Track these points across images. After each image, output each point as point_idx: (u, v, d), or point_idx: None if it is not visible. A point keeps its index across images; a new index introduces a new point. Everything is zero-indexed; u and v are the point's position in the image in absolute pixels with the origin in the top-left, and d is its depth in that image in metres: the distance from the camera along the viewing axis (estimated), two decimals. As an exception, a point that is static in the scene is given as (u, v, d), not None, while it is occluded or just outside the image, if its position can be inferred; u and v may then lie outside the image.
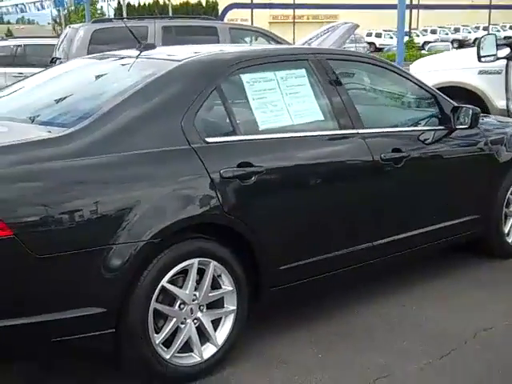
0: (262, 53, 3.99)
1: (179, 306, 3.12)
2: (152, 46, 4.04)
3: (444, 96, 4.49)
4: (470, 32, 49.59)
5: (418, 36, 47.27)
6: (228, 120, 3.43)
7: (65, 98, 3.65)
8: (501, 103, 7.39)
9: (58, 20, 51.36)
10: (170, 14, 36.88)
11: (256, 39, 11.02)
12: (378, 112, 4.42)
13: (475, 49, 7.30)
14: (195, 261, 3.14)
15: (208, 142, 3.28)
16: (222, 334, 3.30)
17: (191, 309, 3.16)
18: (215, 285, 3.26)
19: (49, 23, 64.01)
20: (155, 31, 9.83)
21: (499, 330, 3.73)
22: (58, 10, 45.15)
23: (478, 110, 4.36)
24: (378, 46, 47.32)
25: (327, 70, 3.89)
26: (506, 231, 4.79)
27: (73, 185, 2.88)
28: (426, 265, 4.64)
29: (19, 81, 4.43)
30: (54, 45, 11.13)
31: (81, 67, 4.27)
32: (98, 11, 51.33)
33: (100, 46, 8.48)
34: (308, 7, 53.55)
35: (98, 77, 3.92)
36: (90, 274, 2.87)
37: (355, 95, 4.03)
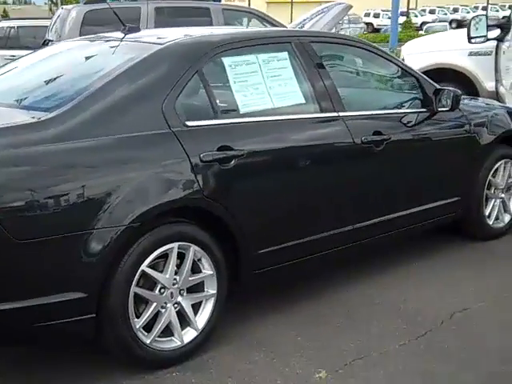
0: (244, 36, 3.98)
1: (159, 291, 3.15)
2: (136, 29, 4.04)
3: (427, 78, 4.51)
4: (468, 12, 49.21)
5: (416, 16, 47.07)
6: (209, 103, 3.44)
7: (49, 81, 3.65)
8: (490, 85, 7.39)
9: (54, 0, 50.99)
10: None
11: (249, 20, 10.96)
12: (361, 95, 4.43)
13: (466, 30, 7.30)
14: (175, 245, 3.16)
15: (188, 126, 3.29)
16: (202, 318, 3.33)
17: (171, 293, 3.19)
18: (195, 269, 3.28)
19: (45, 3, 63.57)
20: (148, 12, 9.77)
21: (475, 311, 3.78)
22: (54, -10, 44.82)
23: (459, 92, 4.38)
24: (375, 26, 47.03)
25: (310, 53, 3.90)
26: (487, 213, 4.83)
27: (53, 170, 2.90)
28: (412, 246, 4.69)
29: (7, 63, 4.43)
30: (47, 26, 11.07)
31: (66, 50, 4.26)
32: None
33: (93, 28, 8.43)
34: (306, -13, 53.18)
35: (82, 60, 3.93)
36: (71, 258, 2.89)
37: (338, 78, 4.04)
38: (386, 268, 4.38)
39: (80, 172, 2.95)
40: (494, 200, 4.87)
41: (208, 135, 3.35)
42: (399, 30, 29.96)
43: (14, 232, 2.76)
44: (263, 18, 10.75)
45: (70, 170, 2.93)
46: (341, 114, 3.88)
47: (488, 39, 7.21)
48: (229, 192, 3.36)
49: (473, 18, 7.39)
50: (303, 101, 3.81)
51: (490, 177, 4.77)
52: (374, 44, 4.70)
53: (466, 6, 52.98)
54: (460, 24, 41.89)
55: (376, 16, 49.66)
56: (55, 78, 3.66)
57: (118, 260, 2.99)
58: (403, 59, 8.38)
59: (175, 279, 3.20)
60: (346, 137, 3.86)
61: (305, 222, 3.73)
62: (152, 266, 3.12)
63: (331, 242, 3.86)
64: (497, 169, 4.83)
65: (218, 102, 3.48)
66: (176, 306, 3.22)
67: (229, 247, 3.39)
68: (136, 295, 3.08)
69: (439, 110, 4.36)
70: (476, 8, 50.70)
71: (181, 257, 3.22)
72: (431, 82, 4.50)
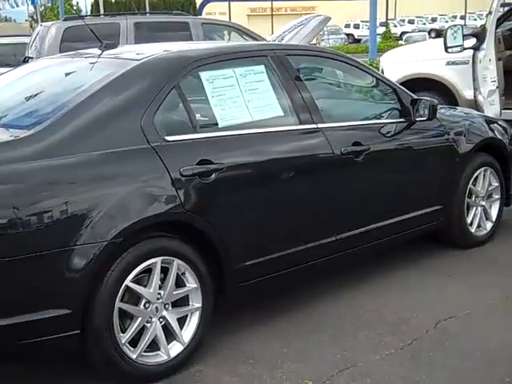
0: (220, 50, 4.01)
1: (144, 305, 3.15)
2: (113, 45, 4.06)
3: (403, 89, 4.56)
4: (447, 21, 49.63)
5: (395, 26, 47.49)
6: (187, 118, 3.47)
7: (28, 98, 3.68)
8: (468, 94, 7.48)
9: (34, 17, 50.94)
10: (147, 9, 36.78)
11: (229, 34, 11.02)
12: (339, 106, 4.47)
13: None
14: (158, 259, 3.17)
15: (168, 141, 3.31)
16: (188, 332, 3.33)
17: (156, 307, 3.19)
18: (179, 283, 3.29)
19: (26, 20, 63.45)
20: (127, 28, 9.79)
21: (459, 319, 3.80)
22: (35, 7, 44.78)
23: (436, 102, 4.44)
24: (356, 37, 47.42)
25: (286, 66, 3.93)
26: (469, 221, 4.87)
27: (34, 187, 2.91)
28: (396, 255, 4.71)
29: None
30: (27, 43, 11.05)
31: (45, 67, 4.28)
32: (74, 7, 50.95)
33: (73, 44, 8.40)
34: (285, -1, 53.55)
35: (61, 77, 3.97)
36: (55, 275, 2.90)
37: (315, 90, 4.07)
38: (370, 278, 4.41)
39: (61, 188, 2.96)
40: (475, 208, 4.91)
41: (187, 149, 3.37)
42: (379, 40, 30.26)
43: (-3, 250, 2.75)
44: (243, 32, 10.81)
45: (50, 187, 2.94)
46: (320, 125, 3.91)
47: (464, 48, 7.30)
48: (210, 205, 3.38)
49: (449, 27, 7.48)
50: (281, 113, 3.84)
51: (470, 185, 4.81)
52: (350, 55, 4.74)
53: (444, 15, 53.52)
54: (439, 33, 42.29)
55: (356, 27, 50.09)
56: (34, 96, 3.69)
57: (101, 275, 3.00)
58: (382, 69, 8.47)
59: (159, 293, 3.20)
60: (325, 148, 3.89)
61: (287, 233, 3.75)
62: (136, 280, 3.13)
63: (315, 253, 3.88)
64: (477, 177, 4.87)
65: (196, 116, 3.51)
66: (161, 320, 3.23)
67: (212, 260, 3.40)
68: (121, 310, 3.08)
69: (417, 119, 4.41)
70: (454, 17, 51.25)
71: (165, 271, 3.22)
72: (408, 92, 4.56)
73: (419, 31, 44.46)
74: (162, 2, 50.21)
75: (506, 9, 8.14)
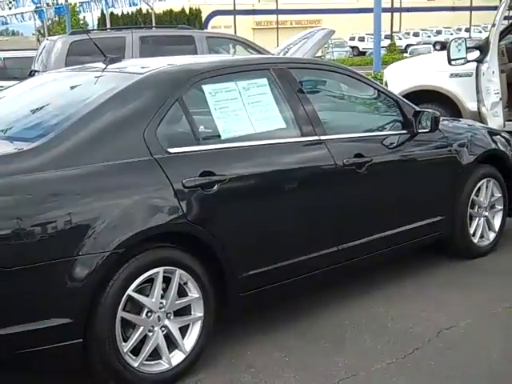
0: (223, 64, 4.06)
1: (146, 314, 3.18)
2: (118, 59, 4.11)
3: (406, 101, 4.59)
4: (451, 34, 49.80)
5: (400, 39, 47.63)
6: (190, 130, 3.51)
7: (34, 111, 3.72)
8: (472, 105, 7.51)
9: (41, 31, 51.29)
10: (154, 23, 36.99)
11: (234, 47, 11.10)
12: (341, 118, 4.50)
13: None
14: (160, 269, 3.20)
15: (170, 153, 3.35)
16: (189, 341, 3.35)
17: (158, 317, 3.22)
18: (182, 292, 3.32)
19: (33, 34, 63.88)
20: (132, 42, 9.87)
21: (461, 328, 3.81)
22: (42, 21, 45.09)
23: (438, 114, 4.46)
24: (361, 49, 47.59)
25: (289, 79, 3.98)
26: (472, 231, 4.89)
27: (38, 198, 2.94)
28: (398, 265, 4.73)
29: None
30: (33, 57, 11.16)
31: (51, 81, 4.34)
32: (81, 21, 51.32)
33: (78, 58, 8.48)
34: (291, 13, 53.83)
35: (66, 90, 4.01)
36: (57, 285, 2.93)
37: (317, 102, 4.10)
38: (372, 287, 4.43)
39: (64, 200, 2.99)
40: (478, 218, 4.93)
41: (190, 161, 3.41)
42: (384, 53, 30.37)
43: (0, 260, 2.80)
44: (247, 45, 10.89)
45: (54, 198, 2.97)
46: (322, 137, 3.94)
47: (468, 61, 7.35)
48: (212, 216, 3.41)
49: (452, 40, 7.52)
50: (284, 125, 3.87)
51: (473, 196, 4.84)
52: (351, 68, 4.78)
53: (449, 27, 53.68)
54: (444, 46, 42.41)
55: (361, 40, 50.25)
56: (39, 109, 3.73)
57: (103, 285, 3.03)
58: (386, 82, 8.52)
59: (162, 303, 3.23)
60: (327, 160, 3.92)
61: (289, 244, 3.78)
62: (138, 290, 3.16)
63: (316, 263, 3.90)
64: (479, 188, 4.89)
65: (199, 128, 3.55)
66: (163, 329, 3.25)
67: (215, 270, 3.43)
68: (123, 319, 3.11)
69: (419, 131, 4.44)
70: (459, 30, 51.43)
71: (167, 281, 3.25)
72: (410, 104, 4.59)
73: (424, 44, 44.58)
74: (169, 16, 50.54)
75: (510, 22, 8.19)
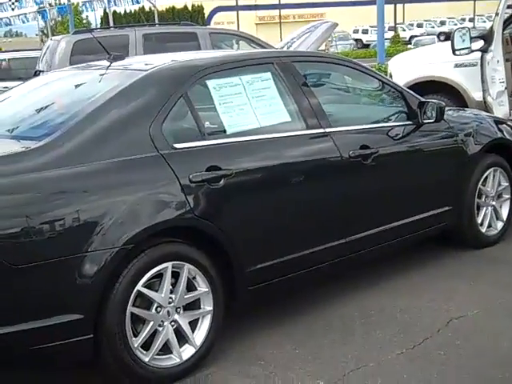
0: (226, 59, 4.06)
1: (156, 309, 3.20)
2: (121, 57, 4.12)
3: (410, 92, 4.59)
4: (455, 24, 49.49)
5: (404, 31, 47.51)
6: (196, 125, 3.52)
7: (39, 110, 3.75)
8: (477, 95, 7.48)
9: (45, 31, 51.40)
10: (156, 20, 37.01)
11: (237, 43, 11.11)
12: (346, 111, 4.51)
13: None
14: (169, 264, 3.22)
15: (176, 148, 3.36)
16: (200, 335, 3.37)
17: (168, 311, 3.24)
18: (191, 287, 3.34)
19: (36, 34, 64.05)
20: (136, 39, 9.89)
21: (471, 318, 3.81)
22: (45, 22, 45.18)
23: (443, 104, 4.46)
24: (364, 42, 47.49)
25: (293, 72, 3.98)
26: (479, 221, 4.88)
27: (46, 196, 2.96)
28: (406, 255, 4.73)
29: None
30: (38, 57, 11.19)
31: (55, 80, 4.36)
32: (84, 21, 51.38)
33: (83, 57, 8.49)
34: (293, 7, 53.75)
35: (71, 89, 4.04)
36: (67, 281, 2.95)
37: (322, 95, 4.11)
38: (380, 278, 4.43)
39: (72, 197, 3.01)
40: (485, 208, 4.93)
41: (196, 156, 3.42)
42: (388, 44, 30.29)
43: (10, 258, 2.82)
44: (251, 40, 10.88)
45: (62, 196, 3.00)
46: (327, 129, 3.95)
47: (472, 51, 7.32)
48: (220, 211, 3.42)
49: (456, 30, 7.49)
50: (289, 119, 3.88)
51: (480, 185, 4.83)
52: (355, 60, 4.78)
53: (453, 18, 53.47)
54: (448, 36, 42.23)
55: (364, 32, 50.15)
56: (45, 107, 3.75)
57: (113, 281, 3.05)
58: (390, 73, 8.50)
59: (171, 298, 3.25)
60: (333, 152, 3.92)
61: (296, 237, 3.79)
62: (147, 285, 3.18)
63: (324, 255, 3.91)
64: (486, 177, 4.89)
65: (204, 123, 3.57)
66: (173, 323, 3.27)
67: (223, 264, 3.44)
68: (133, 315, 3.13)
69: (424, 122, 4.43)
70: (463, 20, 51.21)
71: (176, 275, 3.27)
72: (415, 95, 4.59)
73: (428, 35, 44.43)
74: (171, 13, 50.57)
75: (513, 10, 8.15)
